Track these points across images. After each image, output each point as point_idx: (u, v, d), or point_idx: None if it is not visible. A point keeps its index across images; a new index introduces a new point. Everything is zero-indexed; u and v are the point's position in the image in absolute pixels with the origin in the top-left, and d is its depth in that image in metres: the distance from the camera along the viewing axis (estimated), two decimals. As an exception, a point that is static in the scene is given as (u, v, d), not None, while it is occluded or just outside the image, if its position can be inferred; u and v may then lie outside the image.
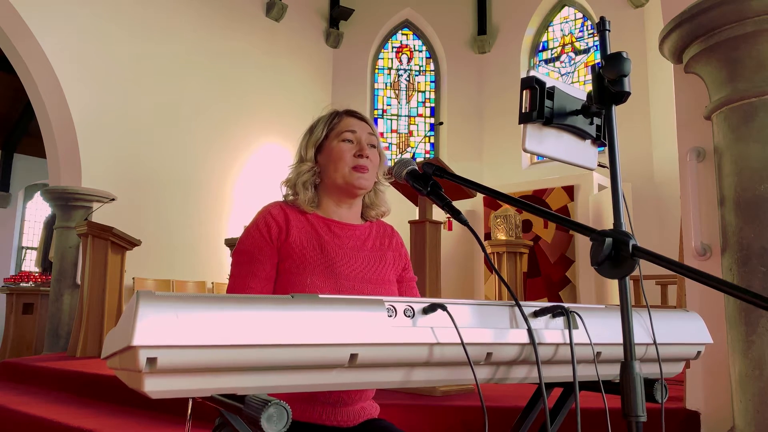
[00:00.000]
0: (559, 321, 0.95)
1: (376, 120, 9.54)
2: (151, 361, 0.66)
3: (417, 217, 3.37)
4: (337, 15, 9.24)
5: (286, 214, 1.33)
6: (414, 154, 9.40)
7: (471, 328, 0.87)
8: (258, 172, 7.82)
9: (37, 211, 11.73)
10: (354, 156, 1.36)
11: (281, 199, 1.41)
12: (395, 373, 0.85)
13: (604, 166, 1.15)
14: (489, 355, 0.89)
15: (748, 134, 2.10)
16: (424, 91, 9.71)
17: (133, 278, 6.29)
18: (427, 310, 0.85)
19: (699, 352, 1.11)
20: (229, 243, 5.82)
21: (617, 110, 0.97)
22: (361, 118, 1.43)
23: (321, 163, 1.39)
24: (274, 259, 1.29)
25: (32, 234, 11.62)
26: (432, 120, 9.56)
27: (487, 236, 6.24)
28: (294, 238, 1.30)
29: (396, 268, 1.43)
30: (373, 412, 1.34)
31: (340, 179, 1.36)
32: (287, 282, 1.26)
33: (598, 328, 0.97)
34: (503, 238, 5.67)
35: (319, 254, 1.30)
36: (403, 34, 9.81)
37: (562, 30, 8.92)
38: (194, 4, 7.52)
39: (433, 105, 9.65)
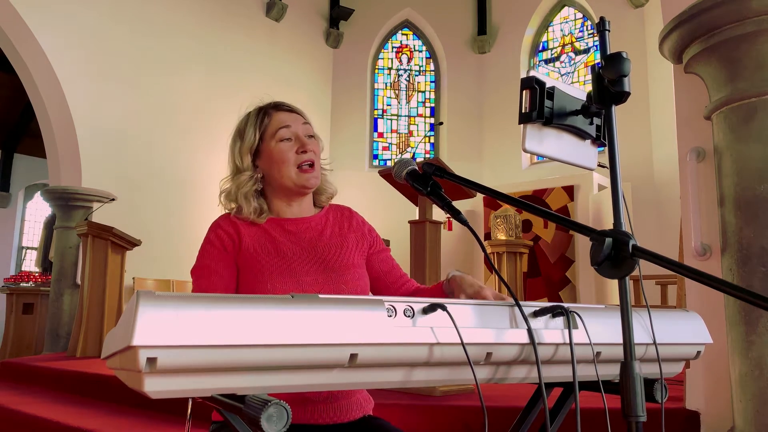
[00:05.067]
0: (559, 321, 0.95)
1: (375, 120, 9.54)
2: (151, 361, 0.66)
3: (417, 217, 3.37)
4: (337, 15, 9.24)
5: (235, 225, 1.30)
6: (414, 154, 9.39)
7: (471, 328, 0.87)
8: (258, 172, 7.81)
9: (37, 211, 11.74)
10: (297, 153, 1.31)
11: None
12: (395, 373, 0.85)
13: (604, 166, 1.15)
14: (489, 355, 0.89)
15: (748, 134, 2.10)
16: (424, 91, 9.70)
17: (133, 278, 6.29)
18: (427, 310, 0.85)
19: (699, 352, 1.11)
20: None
21: (617, 110, 0.97)
22: (291, 110, 1.37)
23: (262, 167, 1.33)
24: (232, 269, 1.27)
25: (32, 234, 11.63)
26: (432, 120, 9.55)
27: (487, 236, 6.24)
28: (247, 246, 1.27)
29: (361, 250, 1.38)
30: (366, 407, 1.32)
31: (288, 181, 1.31)
32: (248, 292, 1.23)
33: (598, 328, 0.97)
34: (503, 238, 5.67)
35: (275, 258, 1.27)
36: (403, 34, 9.81)
37: (562, 30, 8.92)
38: (194, 4, 7.52)
39: (433, 105, 9.65)
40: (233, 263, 1.27)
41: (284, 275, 1.25)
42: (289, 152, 1.31)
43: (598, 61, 0.96)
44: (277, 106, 1.37)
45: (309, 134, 1.35)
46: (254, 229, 1.30)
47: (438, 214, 3.64)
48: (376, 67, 9.68)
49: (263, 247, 1.28)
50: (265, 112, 1.36)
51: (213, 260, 1.27)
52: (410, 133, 9.60)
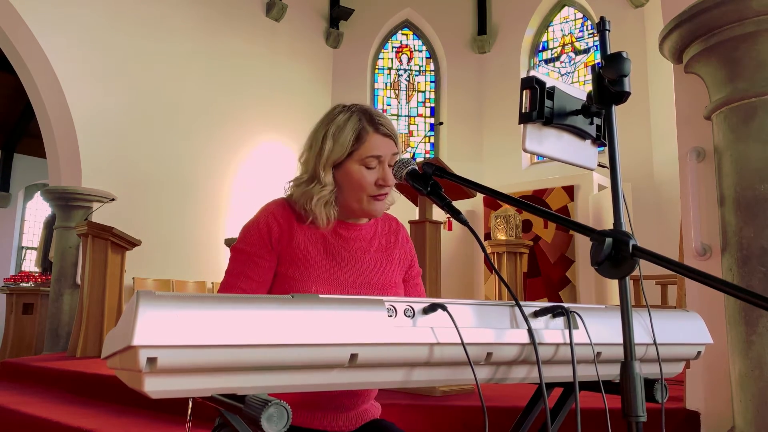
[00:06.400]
0: (559, 321, 0.95)
1: (376, 120, 9.53)
2: (151, 360, 0.66)
3: (417, 217, 3.37)
4: (337, 15, 9.24)
5: (289, 216, 1.27)
6: (414, 154, 9.40)
7: (471, 328, 0.87)
8: (257, 172, 7.83)
9: (37, 211, 11.74)
10: (376, 185, 1.27)
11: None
12: (395, 373, 0.85)
13: (604, 166, 1.15)
14: (489, 355, 0.89)
15: (748, 134, 2.10)
16: (424, 91, 9.71)
17: (133, 278, 6.29)
18: (427, 310, 0.85)
19: (699, 352, 1.11)
20: (229, 242, 5.83)
21: (617, 110, 0.97)
22: (388, 134, 1.29)
23: (337, 179, 1.28)
24: (270, 263, 1.25)
25: (32, 234, 11.63)
26: (432, 120, 9.56)
27: (487, 236, 6.24)
28: (298, 242, 1.25)
29: (402, 267, 1.39)
30: (375, 413, 1.33)
31: (357, 205, 1.28)
32: (290, 288, 1.23)
33: (598, 328, 0.97)
34: (503, 238, 5.66)
35: (324, 260, 1.26)
36: (403, 34, 9.81)
37: (562, 30, 8.92)
38: (194, 4, 7.52)
39: (433, 105, 9.65)
40: (274, 256, 1.25)
41: (330, 282, 1.24)
42: (369, 179, 1.26)
43: (598, 61, 0.96)
44: (378, 128, 1.27)
45: (392, 163, 1.27)
46: (307, 224, 1.28)
47: (438, 214, 3.64)
48: (376, 67, 9.68)
49: (315, 245, 1.26)
50: (364, 127, 1.27)
51: (255, 247, 1.24)
52: (410, 133, 9.60)
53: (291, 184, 1.32)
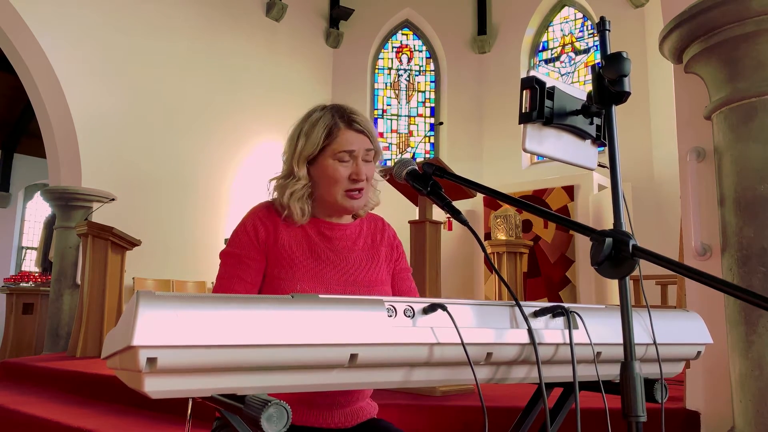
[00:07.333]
0: (559, 321, 0.95)
1: (375, 120, 9.53)
2: (151, 361, 0.66)
3: (417, 217, 3.37)
4: (337, 15, 9.24)
5: (274, 218, 1.30)
6: (414, 154, 9.39)
7: (471, 328, 0.87)
8: (257, 172, 7.82)
9: (37, 211, 11.74)
10: (350, 179, 1.29)
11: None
12: (395, 373, 0.85)
13: (604, 166, 1.15)
14: (489, 355, 0.89)
15: (748, 134, 2.10)
16: (424, 91, 9.70)
17: (133, 278, 6.29)
18: (427, 310, 0.85)
19: (699, 352, 1.11)
20: (229, 243, 5.83)
21: (617, 110, 0.97)
22: (361, 130, 1.31)
23: (313, 175, 1.31)
24: (261, 264, 1.27)
25: (32, 234, 11.63)
26: (432, 120, 9.55)
27: (487, 236, 6.24)
28: (283, 242, 1.28)
29: (389, 264, 1.40)
30: (371, 411, 1.34)
31: (332, 200, 1.30)
32: (276, 288, 1.24)
33: (598, 328, 0.97)
34: (503, 238, 5.66)
35: (309, 259, 1.28)
36: (403, 34, 9.80)
37: (562, 30, 8.92)
38: (194, 4, 7.52)
39: (433, 105, 9.64)
40: (263, 257, 1.28)
41: (315, 280, 1.26)
42: (342, 173, 1.28)
43: (599, 61, 0.96)
44: (350, 123, 1.30)
45: (367, 159, 1.31)
46: (292, 224, 1.31)
47: (438, 214, 3.64)
48: (376, 67, 9.68)
49: (299, 245, 1.29)
50: (336, 123, 1.30)
51: (244, 249, 1.27)
52: (410, 133, 9.60)
53: (273, 182, 1.35)
